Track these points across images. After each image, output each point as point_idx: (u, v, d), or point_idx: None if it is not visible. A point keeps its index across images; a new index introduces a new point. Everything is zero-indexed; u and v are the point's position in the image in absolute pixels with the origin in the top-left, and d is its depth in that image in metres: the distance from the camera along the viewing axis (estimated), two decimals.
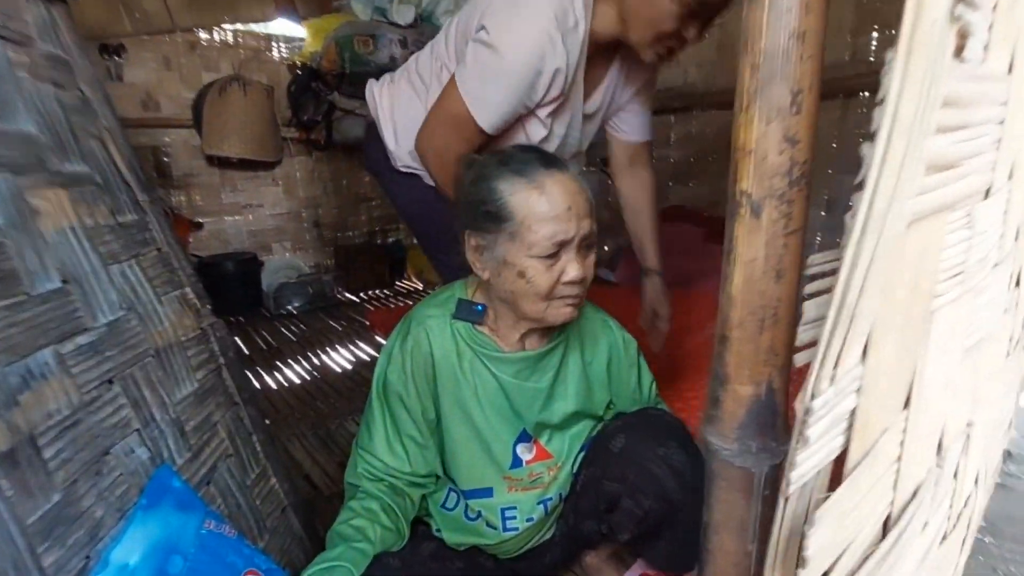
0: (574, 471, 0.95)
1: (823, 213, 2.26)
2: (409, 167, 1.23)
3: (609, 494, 0.89)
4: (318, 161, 3.37)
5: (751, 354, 0.43)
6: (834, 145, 2.19)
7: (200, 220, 3.02)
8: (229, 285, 2.89)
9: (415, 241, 3.80)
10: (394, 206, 1.37)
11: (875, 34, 2.01)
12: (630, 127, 1.25)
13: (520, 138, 1.09)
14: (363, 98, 1.31)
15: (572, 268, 0.76)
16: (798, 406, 0.32)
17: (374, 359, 2.29)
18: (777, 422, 0.44)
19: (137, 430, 0.69)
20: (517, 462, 0.90)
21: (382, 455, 0.90)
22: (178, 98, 2.83)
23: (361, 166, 3.58)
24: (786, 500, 0.34)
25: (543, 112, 1.08)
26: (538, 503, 0.93)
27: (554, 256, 0.76)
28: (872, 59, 2.03)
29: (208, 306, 0.92)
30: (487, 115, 0.98)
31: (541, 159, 0.78)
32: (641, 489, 0.84)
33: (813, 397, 0.31)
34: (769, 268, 0.42)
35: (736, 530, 0.45)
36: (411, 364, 0.88)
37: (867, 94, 2.07)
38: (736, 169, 0.42)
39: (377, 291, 3.38)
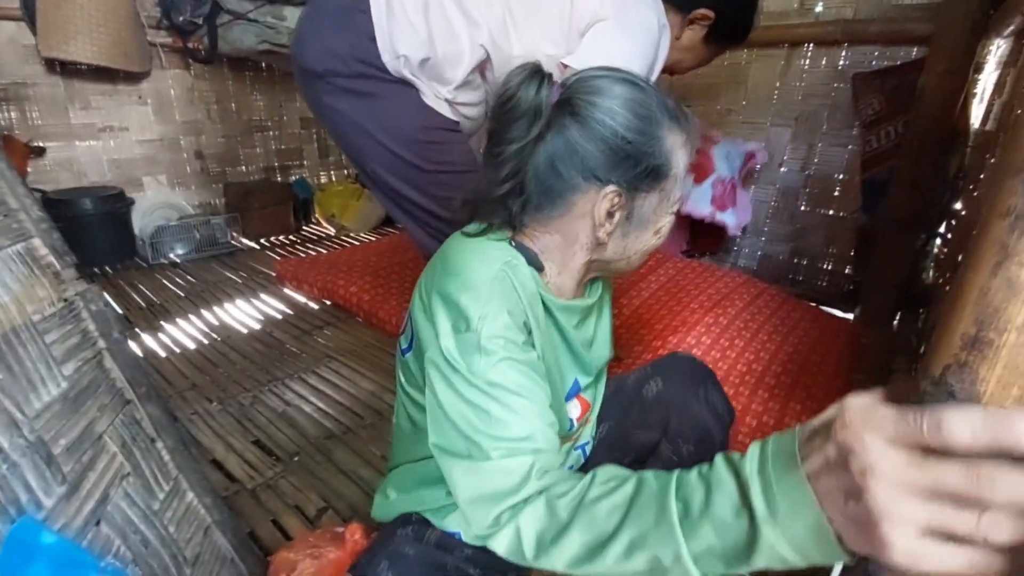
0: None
1: (757, 166, 2.26)
2: (400, 74, 1.00)
3: (641, 444, 0.84)
4: (199, 77, 2.79)
5: None
6: (775, 98, 2.16)
7: (40, 144, 2.38)
8: (88, 228, 2.35)
9: (341, 178, 3.33)
10: (347, 128, 1.06)
11: None
12: None
13: None
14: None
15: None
16: None
17: (287, 317, 2.00)
18: None
19: None
20: (571, 424, 0.79)
21: (543, 430, 0.58)
22: None
23: (255, 86, 3.06)
24: None
25: None
26: (575, 449, 0.84)
27: None
28: (820, 10, 1.99)
29: (72, 266, 0.63)
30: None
31: (676, 104, 0.65)
32: (682, 434, 0.80)
33: None
34: None
35: None
36: (514, 309, 0.61)
37: (811, 46, 2.04)
38: None
39: (281, 237, 2.96)
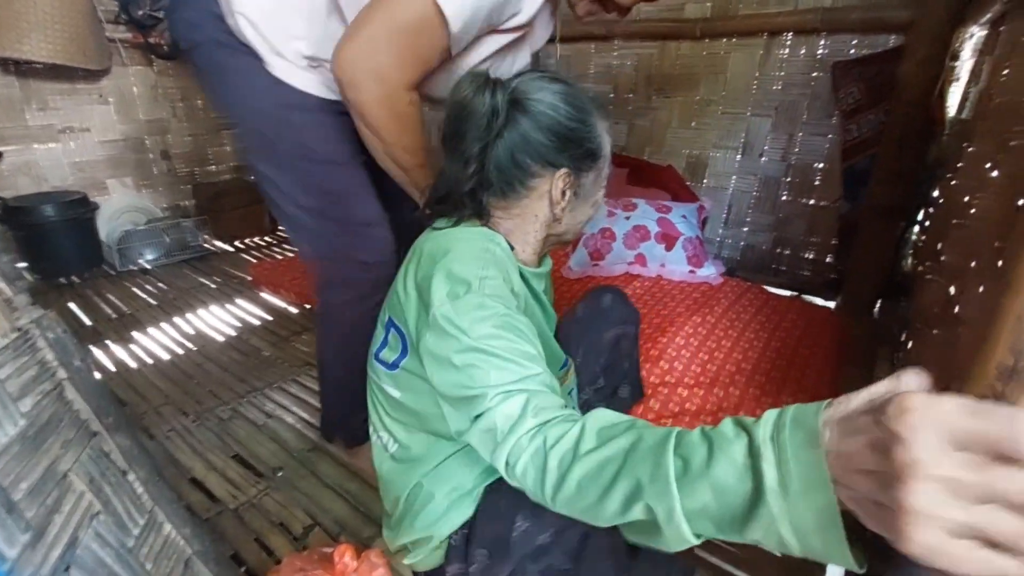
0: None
1: (738, 157, 2.26)
2: (244, 38, 0.84)
3: (605, 343, 1.05)
4: (162, 74, 2.67)
5: None
6: (754, 88, 2.15)
7: None
8: (51, 236, 2.24)
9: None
10: (225, 105, 0.92)
11: None
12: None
13: (456, 76, 0.77)
14: None
15: None
16: None
17: (265, 323, 1.93)
18: None
19: None
20: (565, 361, 0.94)
21: (537, 372, 0.59)
22: None
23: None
24: None
25: (500, 40, 0.85)
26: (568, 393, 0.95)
27: None
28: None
29: (24, 292, 0.58)
30: (458, 9, 0.71)
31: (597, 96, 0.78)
32: (624, 318, 1.07)
33: None
34: None
35: None
36: (506, 276, 0.67)
37: (791, 35, 2.03)
38: None
39: (256, 239, 2.88)
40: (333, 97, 0.88)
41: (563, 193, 0.73)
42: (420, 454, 0.75)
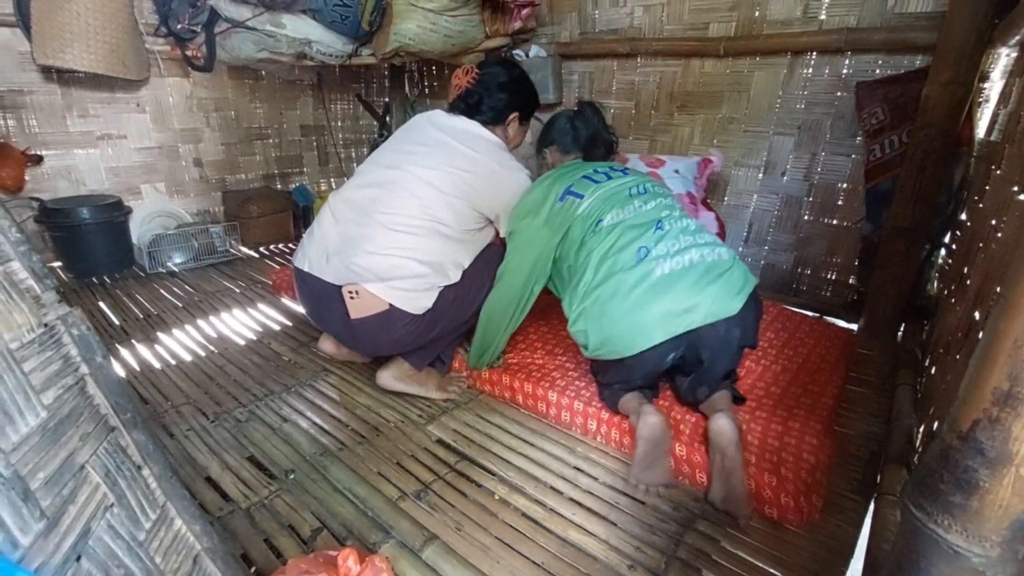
0: None
1: (760, 175, 2.24)
2: None
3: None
4: (198, 84, 2.78)
5: None
6: (777, 107, 2.14)
7: (38, 152, 2.37)
8: (87, 237, 2.33)
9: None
10: None
11: None
12: None
13: None
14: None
15: None
16: None
17: (285, 328, 1.97)
18: None
19: None
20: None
21: None
22: None
23: (255, 93, 3.05)
24: None
25: None
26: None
27: None
28: (823, 18, 1.97)
29: (52, 289, 0.61)
30: None
31: None
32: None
33: None
34: None
35: None
36: None
37: (814, 54, 2.02)
38: None
39: (280, 245, 2.95)
40: None
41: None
42: None
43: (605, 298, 1.16)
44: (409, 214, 1.30)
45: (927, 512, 0.31)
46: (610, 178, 1.36)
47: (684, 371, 1.23)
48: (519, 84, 1.52)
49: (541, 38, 2.76)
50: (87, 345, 0.63)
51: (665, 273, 1.13)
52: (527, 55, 2.66)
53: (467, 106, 1.47)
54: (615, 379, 1.27)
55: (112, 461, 0.64)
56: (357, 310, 1.29)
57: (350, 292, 1.29)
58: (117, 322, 1.98)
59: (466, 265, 1.40)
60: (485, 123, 1.47)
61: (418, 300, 1.31)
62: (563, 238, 1.31)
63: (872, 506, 1.10)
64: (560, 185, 1.36)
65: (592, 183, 1.34)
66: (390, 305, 1.28)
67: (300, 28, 2.30)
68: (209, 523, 1.03)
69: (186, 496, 0.75)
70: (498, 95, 1.47)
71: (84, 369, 0.63)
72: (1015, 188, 1.07)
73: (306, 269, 1.37)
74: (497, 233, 1.49)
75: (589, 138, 1.54)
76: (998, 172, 1.31)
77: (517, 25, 2.60)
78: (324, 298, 1.34)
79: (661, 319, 1.10)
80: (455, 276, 1.37)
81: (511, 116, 1.51)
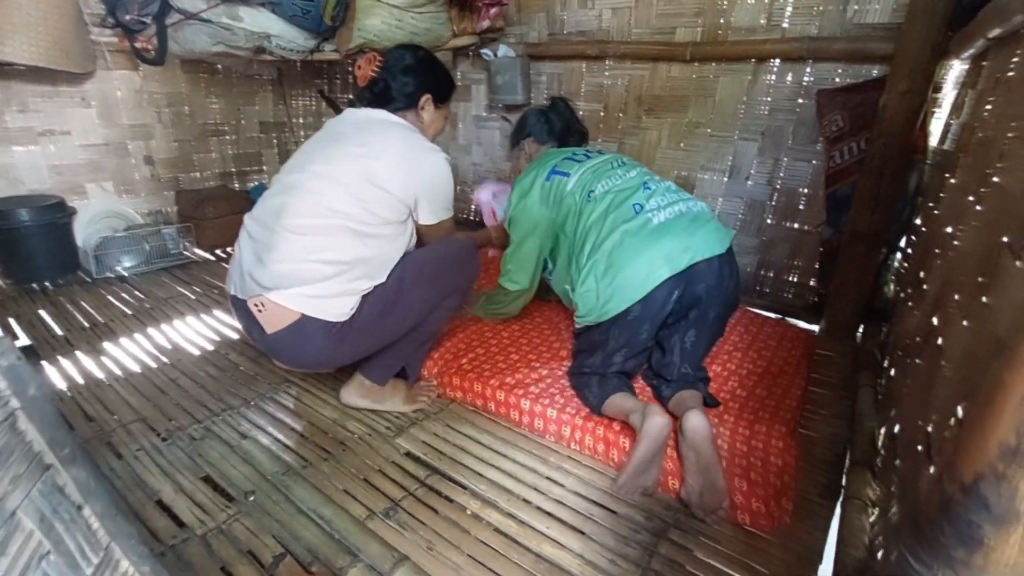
0: None
1: (725, 179, 2.28)
2: None
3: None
4: (149, 78, 2.63)
5: None
6: (742, 112, 2.18)
7: None
8: (26, 241, 2.18)
9: None
10: None
11: (791, 1, 1.98)
12: None
13: None
14: None
15: None
16: None
17: (243, 337, 1.88)
18: None
19: None
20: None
21: None
22: None
23: (211, 88, 2.91)
24: None
25: None
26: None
27: None
28: (786, 26, 2.01)
29: None
30: None
31: None
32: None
33: None
34: None
35: None
36: None
37: (778, 62, 2.06)
38: None
39: None
40: None
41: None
42: None
43: (612, 248, 1.31)
44: (309, 214, 1.20)
45: (926, 565, 0.30)
46: (589, 157, 1.57)
47: (671, 333, 1.35)
48: (426, 65, 1.42)
49: (509, 38, 2.73)
50: (17, 377, 0.57)
51: (661, 221, 1.33)
52: (495, 55, 2.63)
53: (373, 95, 1.39)
54: (614, 346, 1.33)
55: (48, 504, 0.58)
56: (269, 324, 1.21)
57: (256, 305, 1.20)
58: (60, 332, 1.85)
59: (392, 264, 1.29)
60: (397, 111, 1.38)
61: (333, 306, 1.20)
62: (557, 213, 1.50)
63: (839, 510, 1.12)
64: (544, 168, 1.56)
65: (575, 162, 1.54)
66: (301, 314, 1.19)
67: (259, 21, 2.20)
68: (161, 554, 0.97)
69: (133, 534, 0.69)
70: (403, 79, 1.38)
71: (14, 403, 0.57)
72: (971, 199, 1.11)
73: (231, 292, 1.30)
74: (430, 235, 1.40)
75: (563, 128, 1.75)
76: (952, 180, 1.36)
77: (485, 24, 2.57)
78: (246, 317, 1.26)
79: (664, 258, 1.26)
80: (379, 277, 1.27)
81: (423, 99, 1.40)
